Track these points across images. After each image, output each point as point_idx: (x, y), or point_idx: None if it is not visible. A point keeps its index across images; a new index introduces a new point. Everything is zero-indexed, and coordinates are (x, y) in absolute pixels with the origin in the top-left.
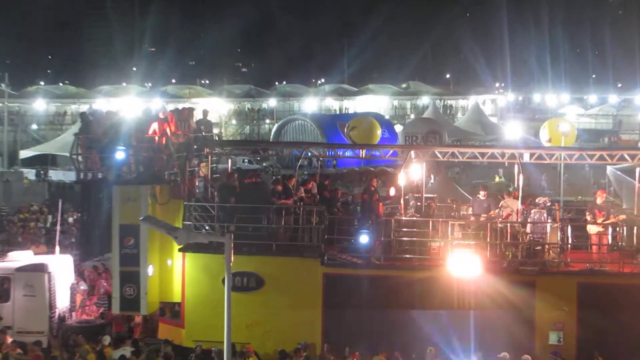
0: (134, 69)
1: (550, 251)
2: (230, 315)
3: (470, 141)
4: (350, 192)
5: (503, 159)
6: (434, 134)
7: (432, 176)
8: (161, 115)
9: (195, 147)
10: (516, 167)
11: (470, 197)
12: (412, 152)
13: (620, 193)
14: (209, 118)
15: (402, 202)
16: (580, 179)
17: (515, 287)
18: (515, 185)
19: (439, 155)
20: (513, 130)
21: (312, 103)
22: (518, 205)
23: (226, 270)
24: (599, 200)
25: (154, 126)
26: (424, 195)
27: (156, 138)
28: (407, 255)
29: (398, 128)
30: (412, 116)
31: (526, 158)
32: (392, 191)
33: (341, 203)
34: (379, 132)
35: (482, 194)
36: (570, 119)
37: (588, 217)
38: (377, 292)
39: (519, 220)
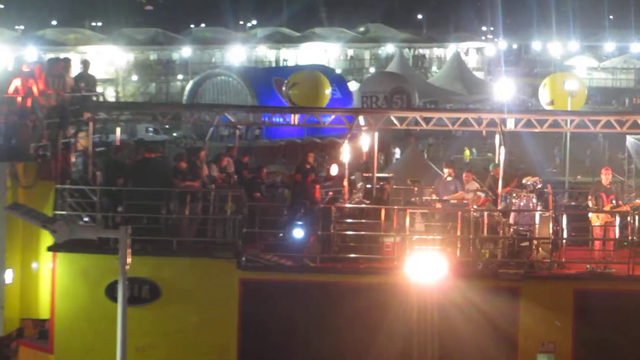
0: (1, 6)
1: (540, 248)
2: (125, 337)
3: (449, 103)
4: (283, 171)
5: (480, 127)
6: (400, 93)
7: (397, 150)
8: (25, 69)
9: (71, 110)
10: (497, 137)
11: None
12: (362, 118)
13: None
14: (91, 72)
15: (345, 184)
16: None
17: (494, 296)
18: (497, 161)
19: (395, 122)
20: (505, 89)
21: (239, 53)
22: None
23: (121, 276)
24: (603, 181)
25: (16, 83)
26: (376, 174)
27: (18, 99)
28: (352, 255)
29: (353, 86)
30: (372, 70)
31: (510, 125)
32: (333, 170)
33: (266, 186)
34: (327, 91)
35: (447, 173)
36: (579, 74)
37: (590, 204)
38: (312, 304)
39: (500, 207)
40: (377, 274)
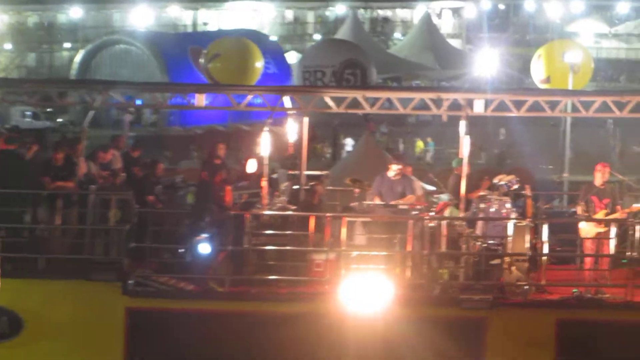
0: None
1: (514, 268)
2: None
3: (417, 80)
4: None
5: (439, 110)
6: (354, 67)
7: (348, 140)
8: None
9: None
10: (461, 124)
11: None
12: (288, 99)
13: None
14: None
15: (263, 184)
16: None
17: (454, 329)
18: (461, 155)
19: (331, 104)
20: (488, 62)
21: (144, 14)
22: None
23: None
24: (598, 180)
25: None
26: (305, 172)
27: None
28: (272, 277)
29: (293, 57)
30: (318, 37)
31: (479, 108)
32: (250, 166)
33: (164, 187)
34: (258, 64)
35: (393, 170)
36: (584, 43)
37: (579, 210)
38: (220, 339)
39: (464, 215)
40: (303, 301)
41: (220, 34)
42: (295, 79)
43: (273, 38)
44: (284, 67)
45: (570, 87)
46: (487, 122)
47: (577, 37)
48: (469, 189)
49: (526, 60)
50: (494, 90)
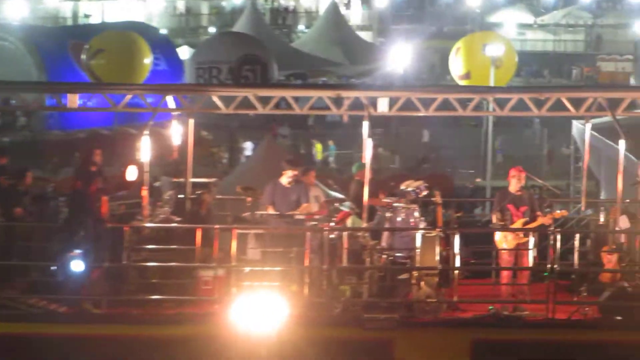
0: None
1: (423, 283)
2: None
3: (323, 76)
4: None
5: (339, 110)
6: (253, 63)
7: (247, 144)
8: None
9: None
10: (364, 125)
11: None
12: (171, 99)
13: (596, 171)
14: None
15: (144, 193)
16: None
17: (357, 352)
18: (364, 159)
19: (220, 104)
20: (400, 56)
21: (19, 5)
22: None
23: None
24: (513, 187)
25: None
26: (191, 179)
27: None
28: (155, 296)
29: (186, 53)
30: (213, 30)
31: (383, 108)
32: (130, 173)
33: (33, 197)
34: (146, 60)
35: (287, 176)
36: (507, 34)
37: (494, 219)
38: None
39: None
40: (190, 323)
41: (103, 28)
42: (188, 77)
43: (163, 31)
44: (176, 64)
45: (492, 84)
46: (408, 123)
47: (499, 29)
48: (372, 196)
49: (444, 55)
50: (401, 87)
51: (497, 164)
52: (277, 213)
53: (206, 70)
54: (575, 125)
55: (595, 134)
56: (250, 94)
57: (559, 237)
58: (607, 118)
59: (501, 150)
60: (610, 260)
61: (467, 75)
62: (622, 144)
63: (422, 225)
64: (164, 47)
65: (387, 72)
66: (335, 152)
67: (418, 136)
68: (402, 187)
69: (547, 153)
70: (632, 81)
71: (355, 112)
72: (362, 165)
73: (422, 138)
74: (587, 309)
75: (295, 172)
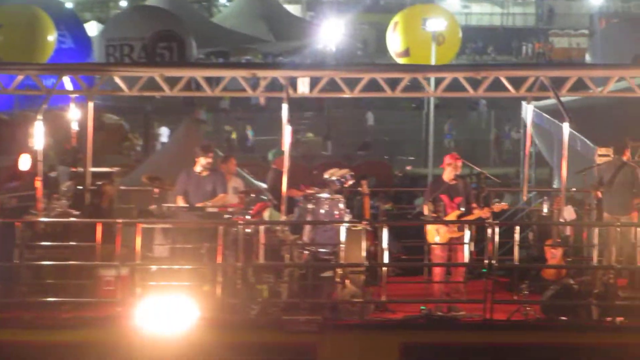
0: None
1: (348, 281)
2: None
3: (247, 55)
4: None
5: (255, 92)
6: (169, 40)
7: (163, 130)
8: None
9: None
10: (283, 108)
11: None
12: (67, 79)
13: (548, 157)
14: None
15: (38, 184)
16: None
17: (277, 357)
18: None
19: (122, 85)
20: (332, 32)
21: None
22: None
23: None
24: (447, 175)
25: None
26: (91, 169)
27: None
28: (51, 299)
29: (94, 28)
30: (124, 5)
31: (303, 89)
32: (23, 162)
33: None
34: (50, 37)
35: (201, 164)
36: (450, 8)
37: (426, 211)
38: None
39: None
40: (90, 328)
41: (1, 1)
42: (97, 55)
43: (69, 5)
44: (83, 41)
45: (433, 62)
46: (351, 105)
47: (442, 1)
48: (292, 187)
49: (380, 30)
50: (323, 66)
51: (447, 150)
52: (187, 205)
53: (117, 48)
54: (526, 107)
55: (547, 116)
56: (156, 74)
57: (497, 230)
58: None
59: (450, 135)
60: (554, 255)
61: (405, 53)
62: (565, 127)
63: (347, 218)
64: (69, 22)
65: (318, 49)
66: (254, 138)
67: (362, 120)
68: (326, 176)
69: (494, 138)
70: (588, 58)
71: (272, 94)
72: (280, 153)
73: (367, 122)
74: (528, 308)
75: (209, 160)
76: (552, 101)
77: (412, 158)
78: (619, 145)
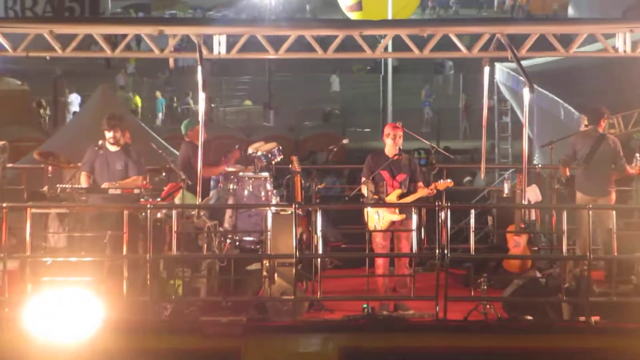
0: None
1: (278, 275)
2: None
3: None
4: None
5: (162, 53)
6: None
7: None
8: None
9: None
10: (198, 71)
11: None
12: None
13: (528, 128)
14: None
15: None
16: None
17: None
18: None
19: (5, 45)
20: None
21: None
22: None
23: None
24: (388, 149)
25: None
26: None
27: None
28: None
29: None
30: None
31: (220, 49)
32: None
33: None
34: None
35: (107, 137)
36: None
37: (363, 191)
38: None
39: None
40: None
41: None
42: None
43: None
44: None
45: (390, 17)
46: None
47: None
48: (210, 164)
49: None
50: (243, 23)
51: (426, 121)
52: (84, 187)
53: (17, 1)
54: (500, 69)
55: (523, 78)
56: (45, 31)
57: (448, 213)
58: (542, 59)
59: (428, 102)
60: (517, 243)
61: (358, 6)
62: (526, 94)
63: (275, 200)
64: None
65: (256, 3)
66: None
67: (325, 84)
68: (250, 151)
69: (463, 106)
70: (571, 11)
71: (183, 55)
72: (195, 122)
73: (331, 87)
74: (488, 306)
75: (115, 134)
76: (530, 61)
77: (369, 130)
78: (594, 113)
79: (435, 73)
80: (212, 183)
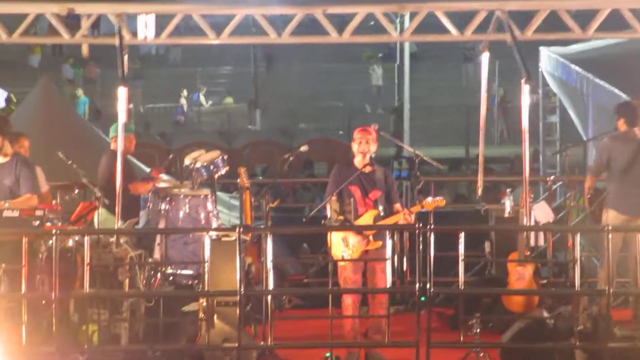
0: None
1: (217, 317)
2: None
3: None
4: None
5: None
6: None
7: None
8: None
9: None
10: (124, 61)
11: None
12: None
13: (582, 127)
14: None
15: None
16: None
17: None
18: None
19: None
20: None
21: None
22: None
23: None
24: (358, 159)
25: None
26: None
27: None
28: None
29: None
30: None
31: (147, 33)
32: None
33: None
34: None
35: None
36: None
37: (329, 211)
38: None
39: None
40: None
41: None
42: None
43: None
44: None
45: None
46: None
47: None
48: (135, 178)
49: None
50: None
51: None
52: None
53: None
54: (547, 55)
55: (576, 68)
56: None
57: (432, 237)
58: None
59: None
60: (521, 275)
61: None
62: (525, 90)
63: (216, 223)
64: None
65: None
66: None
67: (323, 77)
68: (187, 161)
69: (499, 102)
70: None
71: (99, 40)
72: (128, 128)
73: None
74: (482, 354)
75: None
76: (581, 46)
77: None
78: (633, 111)
79: (465, 61)
80: (142, 203)
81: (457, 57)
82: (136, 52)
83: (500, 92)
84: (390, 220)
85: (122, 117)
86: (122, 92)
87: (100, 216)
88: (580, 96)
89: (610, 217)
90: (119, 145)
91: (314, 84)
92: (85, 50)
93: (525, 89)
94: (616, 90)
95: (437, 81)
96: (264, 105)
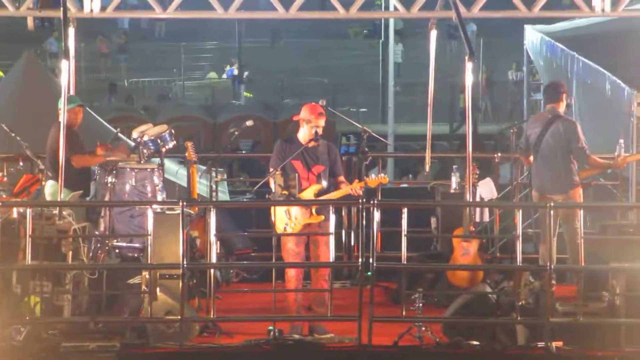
0: None
1: (160, 290)
2: None
3: None
4: None
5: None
6: None
7: None
8: None
9: None
10: (70, 35)
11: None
12: None
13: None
14: None
15: None
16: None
17: None
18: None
19: None
20: None
21: None
22: None
23: None
24: (303, 134)
25: None
26: None
27: None
28: None
29: None
30: None
31: (92, 6)
32: None
33: None
34: None
35: None
36: None
37: (272, 185)
38: None
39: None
40: None
41: None
42: None
43: None
44: None
45: None
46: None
47: None
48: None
49: None
50: None
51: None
52: None
53: None
54: (532, 32)
55: (561, 46)
56: None
57: (377, 213)
58: (583, 21)
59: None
60: (466, 250)
61: None
62: (468, 68)
63: (161, 197)
64: None
65: None
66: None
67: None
68: (135, 134)
69: (483, 80)
70: None
71: (44, 14)
72: (75, 100)
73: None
74: (424, 329)
75: None
76: (566, 24)
77: (365, 109)
78: (552, 90)
79: (449, 38)
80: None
81: (441, 35)
82: (121, 26)
83: (484, 70)
84: (335, 195)
85: (65, 90)
86: (65, 66)
87: (51, 188)
88: (564, 74)
89: (533, 196)
90: (62, 118)
91: (300, 59)
92: (30, 23)
93: (468, 66)
94: (600, 68)
95: (421, 58)
96: (249, 81)
